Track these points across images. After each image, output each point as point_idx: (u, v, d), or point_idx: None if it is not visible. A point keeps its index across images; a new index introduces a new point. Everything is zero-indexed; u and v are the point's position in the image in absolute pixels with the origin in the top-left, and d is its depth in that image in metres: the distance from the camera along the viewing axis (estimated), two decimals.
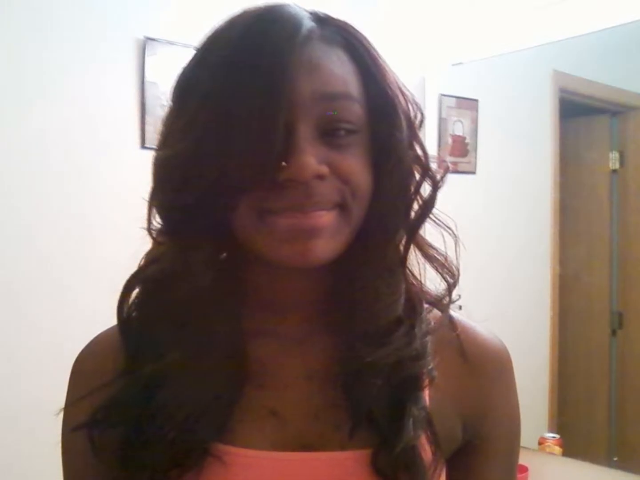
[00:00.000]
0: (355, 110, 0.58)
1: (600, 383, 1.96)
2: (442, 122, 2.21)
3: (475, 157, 2.22)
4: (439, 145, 2.19)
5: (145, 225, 0.63)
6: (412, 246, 0.65)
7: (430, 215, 0.65)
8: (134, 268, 0.65)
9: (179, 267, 0.60)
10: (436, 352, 0.63)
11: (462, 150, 2.22)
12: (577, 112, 2.03)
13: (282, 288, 0.65)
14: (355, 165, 0.59)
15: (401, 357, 0.61)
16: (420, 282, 0.68)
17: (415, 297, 0.65)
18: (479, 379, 0.67)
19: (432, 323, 0.66)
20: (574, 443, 1.91)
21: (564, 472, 1.85)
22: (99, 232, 1.77)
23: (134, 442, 0.59)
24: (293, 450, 0.61)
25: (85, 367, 0.68)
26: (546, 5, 1.83)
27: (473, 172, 2.23)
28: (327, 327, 0.65)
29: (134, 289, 0.64)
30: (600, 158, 1.95)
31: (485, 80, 2.15)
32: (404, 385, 0.61)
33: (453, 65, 2.14)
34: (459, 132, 2.22)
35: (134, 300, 0.65)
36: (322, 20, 0.60)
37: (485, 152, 2.20)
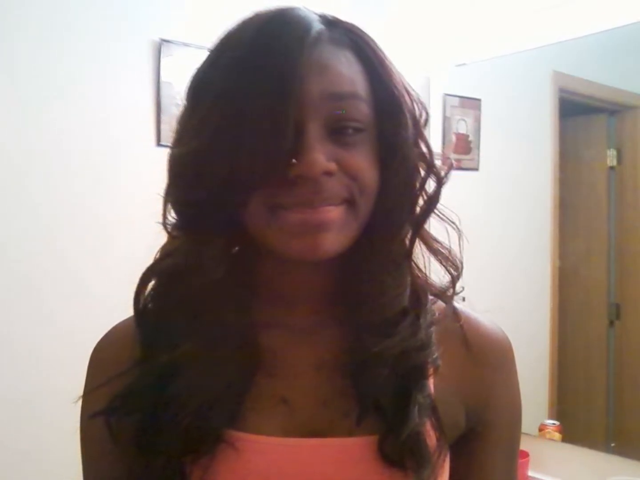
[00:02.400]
0: (363, 110, 0.59)
1: (598, 372, 1.97)
2: (446, 121, 2.22)
3: (478, 155, 2.23)
4: (443, 143, 2.19)
5: (160, 220, 0.64)
6: (417, 240, 0.66)
7: (435, 210, 0.66)
8: (149, 262, 0.66)
9: (193, 261, 0.61)
10: (440, 342, 0.64)
11: (465, 148, 2.23)
12: (576, 111, 2.04)
13: (291, 281, 0.66)
14: (363, 162, 0.60)
15: (407, 347, 0.62)
16: (425, 274, 0.69)
17: (420, 289, 0.66)
18: (481, 368, 0.68)
19: (437, 314, 0.67)
20: (573, 429, 1.93)
21: (563, 457, 1.86)
22: (116, 227, 1.79)
23: (149, 429, 0.60)
24: (303, 436, 0.62)
25: (103, 356, 0.69)
26: (546, 8, 1.84)
27: (476, 169, 2.24)
28: (335, 319, 0.66)
29: (149, 281, 0.65)
30: (599, 155, 1.96)
31: (488, 80, 2.16)
32: (410, 374, 0.62)
33: (457, 66, 2.14)
34: (462, 131, 2.23)
35: (149, 292, 0.65)
36: (330, 23, 0.61)
37: (488, 150, 2.21)
